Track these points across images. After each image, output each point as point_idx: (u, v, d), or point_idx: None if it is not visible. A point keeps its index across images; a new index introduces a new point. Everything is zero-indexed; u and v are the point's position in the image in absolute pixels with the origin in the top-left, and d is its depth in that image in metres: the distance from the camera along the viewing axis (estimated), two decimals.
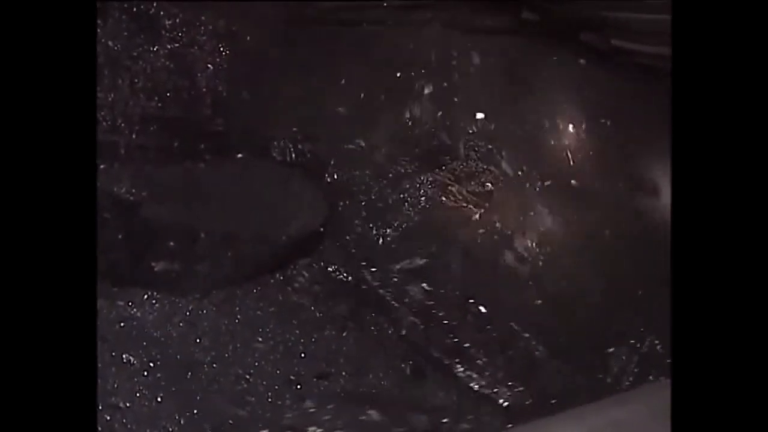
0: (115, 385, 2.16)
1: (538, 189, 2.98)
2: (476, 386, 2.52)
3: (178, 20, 2.55)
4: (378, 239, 2.76)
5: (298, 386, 2.30)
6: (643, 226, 2.88)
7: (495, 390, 2.52)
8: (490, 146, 2.92)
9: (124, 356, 2.24)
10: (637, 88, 3.13)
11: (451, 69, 2.93)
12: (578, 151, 3.03)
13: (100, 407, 2.10)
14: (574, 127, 3.06)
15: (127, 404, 2.14)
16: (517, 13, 2.95)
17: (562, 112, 3.06)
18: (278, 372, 2.34)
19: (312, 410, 2.29)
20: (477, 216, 2.90)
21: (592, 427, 1.81)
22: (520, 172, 2.99)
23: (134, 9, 2.49)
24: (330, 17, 2.83)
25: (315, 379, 2.34)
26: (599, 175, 3.06)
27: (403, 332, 2.59)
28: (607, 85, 3.10)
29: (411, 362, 2.52)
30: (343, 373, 2.40)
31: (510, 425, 2.27)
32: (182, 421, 2.18)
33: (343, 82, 2.81)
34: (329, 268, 2.67)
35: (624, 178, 3.03)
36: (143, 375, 2.21)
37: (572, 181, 3.00)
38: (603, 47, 2.96)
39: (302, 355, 2.41)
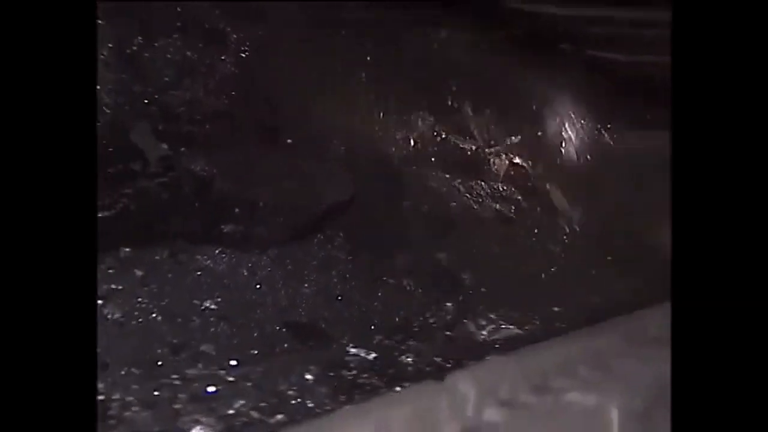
0: (194, 320, 2.36)
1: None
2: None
3: (242, 35, 2.72)
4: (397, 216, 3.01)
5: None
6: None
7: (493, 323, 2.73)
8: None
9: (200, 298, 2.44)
10: (617, 91, 3.25)
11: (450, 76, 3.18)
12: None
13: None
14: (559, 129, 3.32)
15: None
16: (505, 29, 3.11)
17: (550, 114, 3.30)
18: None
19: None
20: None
21: (568, 355, 1.95)
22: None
23: (206, 25, 2.65)
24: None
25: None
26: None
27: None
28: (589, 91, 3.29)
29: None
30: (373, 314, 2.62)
31: None
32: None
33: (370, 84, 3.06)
34: (359, 231, 2.86)
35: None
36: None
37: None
38: (580, 57, 3.11)
39: (339, 297, 2.65)
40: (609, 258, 3.32)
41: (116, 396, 1.91)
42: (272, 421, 1.86)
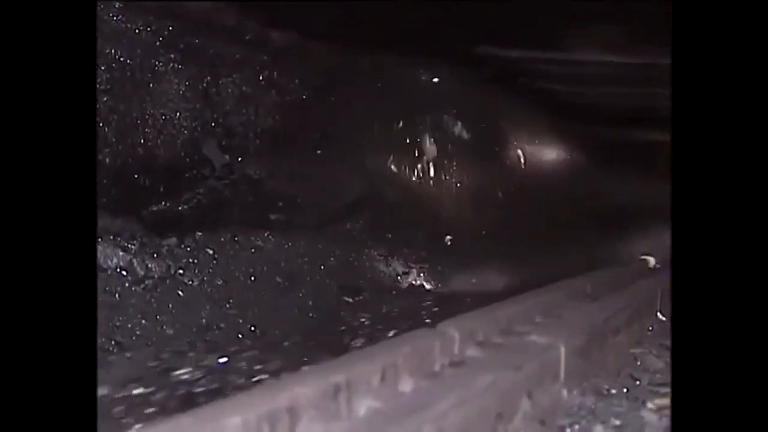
0: (248, 285, 2.49)
1: None
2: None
3: (285, 77, 2.78)
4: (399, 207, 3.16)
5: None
6: None
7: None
8: None
9: (254, 269, 2.58)
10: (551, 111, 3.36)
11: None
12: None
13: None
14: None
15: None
16: (478, 67, 3.17)
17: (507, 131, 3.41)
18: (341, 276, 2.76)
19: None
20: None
21: (527, 307, 1.89)
22: None
23: (257, 67, 2.70)
24: None
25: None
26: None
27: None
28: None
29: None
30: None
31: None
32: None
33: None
34: (372, 218, 3.01)
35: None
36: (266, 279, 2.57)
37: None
38: (532, 87, 3.19)
39: (355, 265, 2.83)
40: None
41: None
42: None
